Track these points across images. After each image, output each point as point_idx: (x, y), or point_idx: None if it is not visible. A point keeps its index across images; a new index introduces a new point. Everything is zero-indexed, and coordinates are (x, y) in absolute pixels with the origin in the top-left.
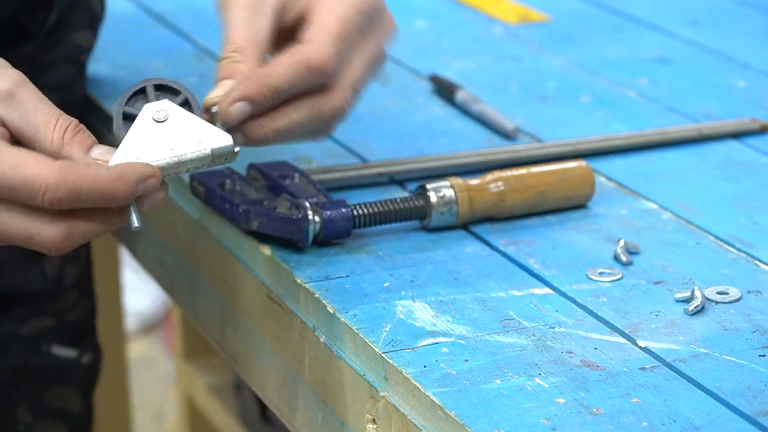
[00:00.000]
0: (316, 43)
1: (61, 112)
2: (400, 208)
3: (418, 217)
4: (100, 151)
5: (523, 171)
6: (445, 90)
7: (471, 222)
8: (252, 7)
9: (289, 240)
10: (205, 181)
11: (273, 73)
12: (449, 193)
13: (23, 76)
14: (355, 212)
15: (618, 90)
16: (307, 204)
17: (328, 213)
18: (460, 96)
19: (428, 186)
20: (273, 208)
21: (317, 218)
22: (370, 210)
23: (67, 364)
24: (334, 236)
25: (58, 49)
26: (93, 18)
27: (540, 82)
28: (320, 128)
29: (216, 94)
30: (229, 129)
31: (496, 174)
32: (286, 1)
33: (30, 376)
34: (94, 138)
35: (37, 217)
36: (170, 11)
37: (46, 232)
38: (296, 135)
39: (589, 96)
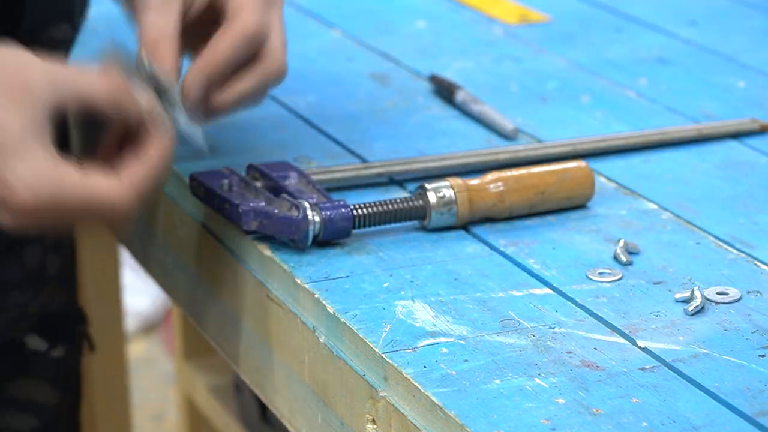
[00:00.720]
0: (244, 13)
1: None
2: (400, 208)
3: (418, 217)
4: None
5: (522, 171)
6: (444, 90)
7: (471, 222)
8: (159, 7)
9: (289, 240)
10: (205, 182)
11: (217, 50)
12: (449, 193)
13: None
14: (354, 212)
15: (618, 90)
16: (307, 204)
17: (328, 213)
18: (460, 96)
19: (428, 186)
20: (273, 209)
21: (317, 218)
22: (370, 210)
23: (35, 356)
24: (334, 236)
25: (36, 44)
26: (71, 12)
27: (540, 83)
28: (263, 92)
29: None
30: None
31: (496, 174)
32: None
33: None
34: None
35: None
36: None
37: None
38: (246, 102)
39: (589, 96)
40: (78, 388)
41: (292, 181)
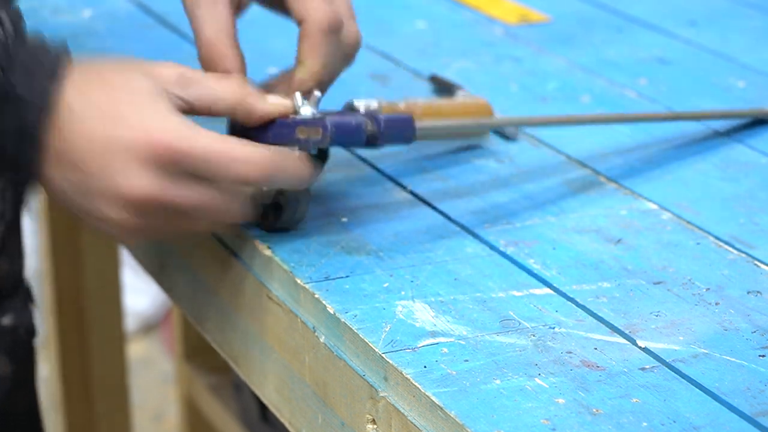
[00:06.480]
0: (313, 11)
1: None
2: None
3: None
4: (274, 99)
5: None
6: (445, 90)
7: None
8: (210, 2)
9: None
10: None
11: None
12: (374, 104)
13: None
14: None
15: (618, 90)
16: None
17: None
18: (460, 96)
19: (356, 101)
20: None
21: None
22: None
23: None
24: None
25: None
26: None
27: (540, 83)
28: (345, 65)
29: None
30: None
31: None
32: None
33: None
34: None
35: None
36: (170, 11)
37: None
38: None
39: (589, 96)
40: (32, 362)
41: None
